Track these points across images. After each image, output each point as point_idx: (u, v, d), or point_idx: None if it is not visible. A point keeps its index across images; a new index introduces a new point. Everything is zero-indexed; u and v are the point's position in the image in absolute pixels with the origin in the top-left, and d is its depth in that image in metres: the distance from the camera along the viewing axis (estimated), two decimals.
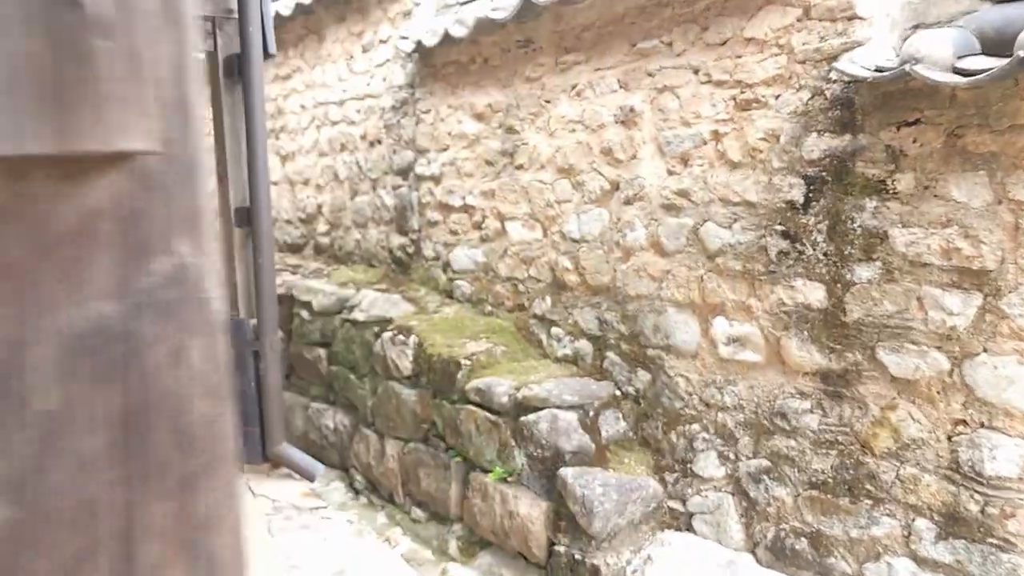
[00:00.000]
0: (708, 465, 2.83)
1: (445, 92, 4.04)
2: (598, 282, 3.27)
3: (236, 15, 3.57)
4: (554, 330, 3.52)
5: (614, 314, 3.21)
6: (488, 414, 3.19)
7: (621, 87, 3.12)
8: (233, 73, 3.61)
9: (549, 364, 3.49)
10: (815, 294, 2.49)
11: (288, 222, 5.69)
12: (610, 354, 3.22)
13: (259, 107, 3.61)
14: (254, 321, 3.82)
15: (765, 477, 2.66)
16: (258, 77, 3.58)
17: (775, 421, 2.63)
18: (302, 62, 5.33)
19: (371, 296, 4.05)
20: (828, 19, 2.43)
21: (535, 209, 3.57)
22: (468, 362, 3.43)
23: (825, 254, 2.46)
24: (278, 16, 5.13)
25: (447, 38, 3.77)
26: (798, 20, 2.51)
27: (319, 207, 5.30)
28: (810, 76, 2.48)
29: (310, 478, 3.80)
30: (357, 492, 4.01)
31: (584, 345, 3.36)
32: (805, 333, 2.53)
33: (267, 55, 3.69)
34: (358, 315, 3.96)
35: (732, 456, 2.77)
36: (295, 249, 5.62)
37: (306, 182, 5.43)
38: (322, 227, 5.30)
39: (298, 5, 4.94)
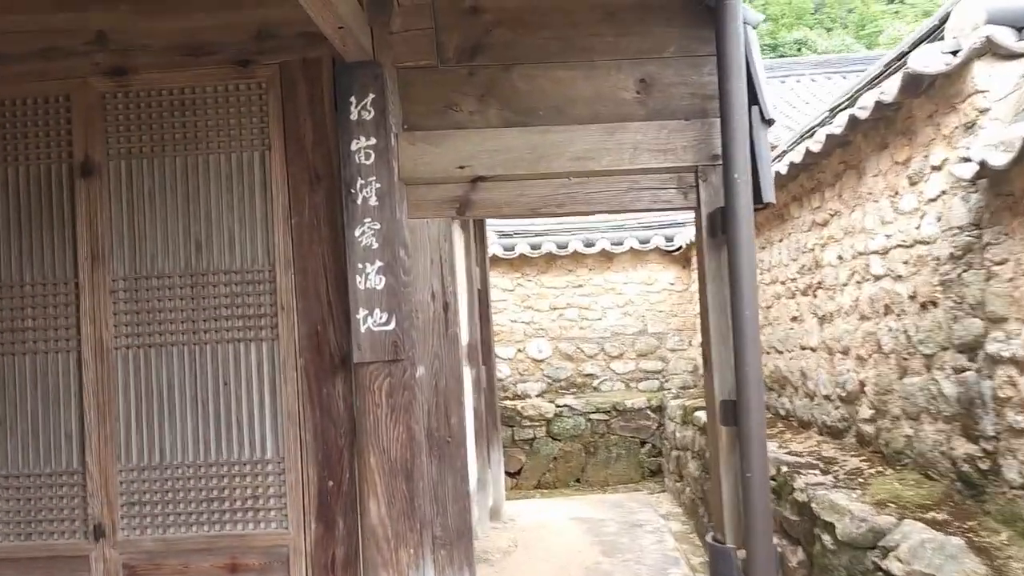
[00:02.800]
0: None
1: None
2: None
3: (721, 162, 2.98)
4: None
5: None
6: None
7: None
8: (716, 232, 2.98)
9: None
10: None
11: (827, 398, 4.68)
12: None
13: (747, 272, 2.87)
14: (742, 553, 2.95)
15: None
16: (746, 235, 2.87)
17: None
18: (840, 204, 4.44)
19: (916, 536, 2.79)
20: None
21: None
22: None
23: None
24: (808, 153, 4.39)
25: None
26: None
27: (861, 384, 4.20)
28: None
29: None
30: None
31: None
32: None
33: (762, 204, 2.97)
34: (894, 568, 2.74)
35: None
36: (834, 434, 4.56)
37: (845, 351, 4.40)
38: (865, 411, 4.16)
39: (830, 137, 4.14)
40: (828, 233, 4.61)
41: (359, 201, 2.97)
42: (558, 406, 9.13)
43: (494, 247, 9.40)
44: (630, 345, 9.52)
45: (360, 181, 2.97)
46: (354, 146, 2.97)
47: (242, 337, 3.05)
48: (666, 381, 9.48)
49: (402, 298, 2.97)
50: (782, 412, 5.60)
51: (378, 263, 2.97)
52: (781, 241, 5.59)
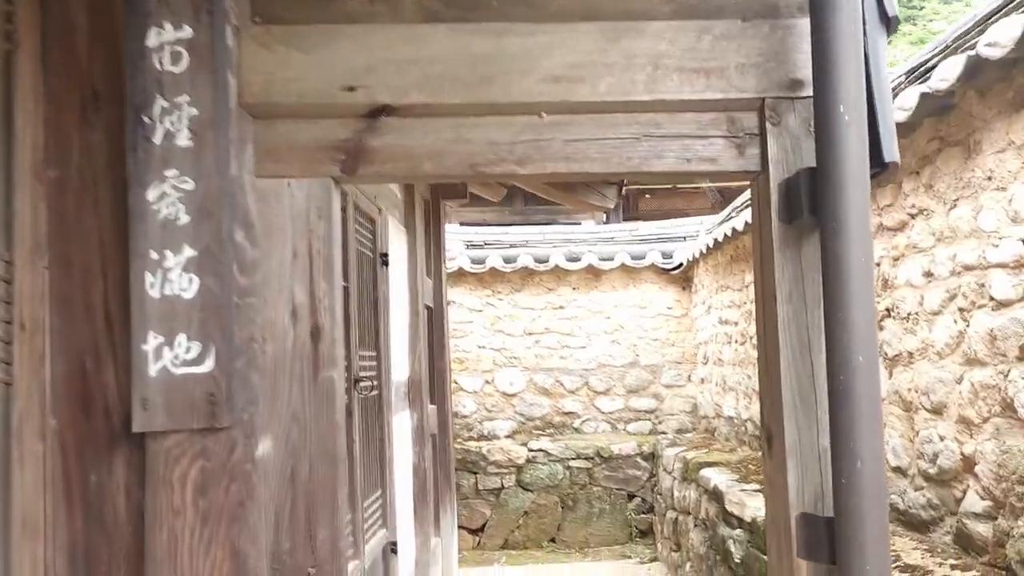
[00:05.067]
0: None
1: None
2: None
3: (810, 92, 1.73)
4: None
5: None
6: None
7: None
8: (798, 213, 1.72)
9: None
10: None
11: (901, 472, 3.42)
12: None
13: (858, 283, 1.60)
14: None
15: None
16: (857, 216, 1.61)
17: None
18: (930, 198, 3.20)
19: None
20: None
21: None
22: None
23: None
24: None
25: None
26: None
27: (967, 460, 2.94)
28: None
29: None
30: None
31: None
32: None
33: (881, 167, 1.71)
34: None
35: None
36: (915, 526, 3.29)
37: (937, 410, 3.14)
38: (973, 501, 2.90)
39: (924, 99, 2.90)
40: (906, 240, 3.37)
41: (157, 138, 1.69)
42: (531, 450, 7.81)
43: (460, 259, 8.12)
44: (619, 379, 8.24)
45: (161, 103, 1.69)
46: (152, 39, 1.70)
47: None
48: (660, 423, 8.20)
49: (232, 317, 1.69)
50: None
51: (187, 251, 1.69)
52: None
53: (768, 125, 1.81)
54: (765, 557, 3.84)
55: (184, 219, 1.69)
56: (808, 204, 1.70)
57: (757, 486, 4.62)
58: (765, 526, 1.87)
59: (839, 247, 1.60)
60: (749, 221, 5.25)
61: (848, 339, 1.58)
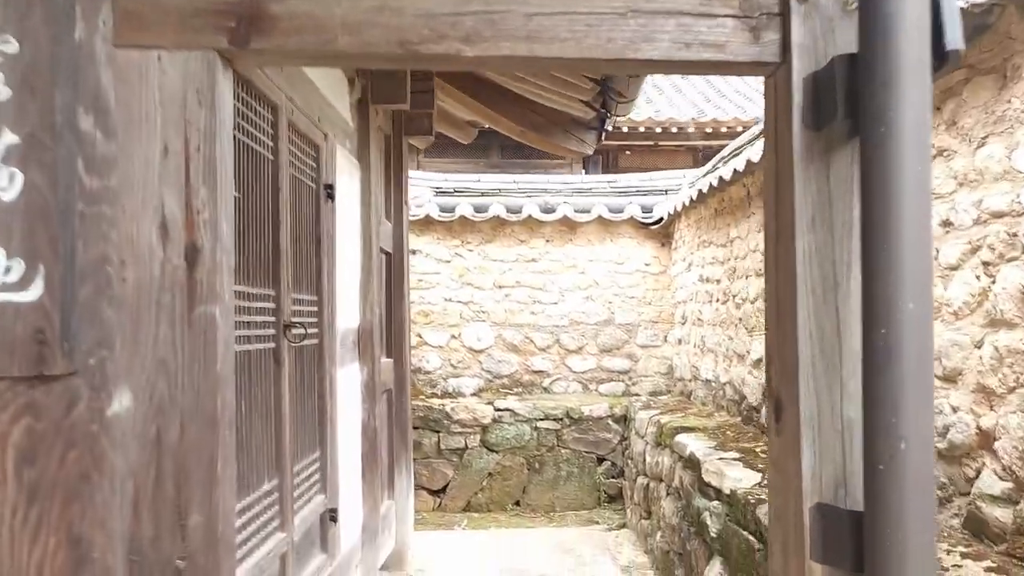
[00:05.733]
0: None
1: None
2: None
3: None
4: None
5: None
6: None
7: None
8: (830, 115, 1.31)
9: None
10: None
11: None
12: None
13: (912, 185, 1.21)
14: None
15: None
16: (913, 111, 1.21)
17: None
18: (948, 137, 2.82)
19: None
20: None
21: None
22: None
23: None
24: None
25: None
26: None
27: (983, 435, 2.60)
28: None
29: None
30: None
31: None
32: None
33: (940, 59, 1.31)
34: None
35: None
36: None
37: (951, 378, 2.79)
38: (990, 480, 2.57)
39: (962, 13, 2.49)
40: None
41: None
42: (498, 409, 7.46)
43: (428, 207, 7.66)
44: (592, 337, 7.88)
45: None
46: None
47: None
48: (633, 384, 7.88)
49: (72, 229, 1.27)
50: None
51: (7, 137, 1.26)
52: None
53: (792, 2, 1.40)
54: (744, 533, 3.52)
55: (3, 93, 1.25)
56: (844, 103, 1.30)
57: (736, 455, 4.29)
58: (769, 518, 1.49)
59: (888, 157, 1.20)
60: (739, 169, 4.85)
61: (895, 280, 1.18)
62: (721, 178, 5.29)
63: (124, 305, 1.34)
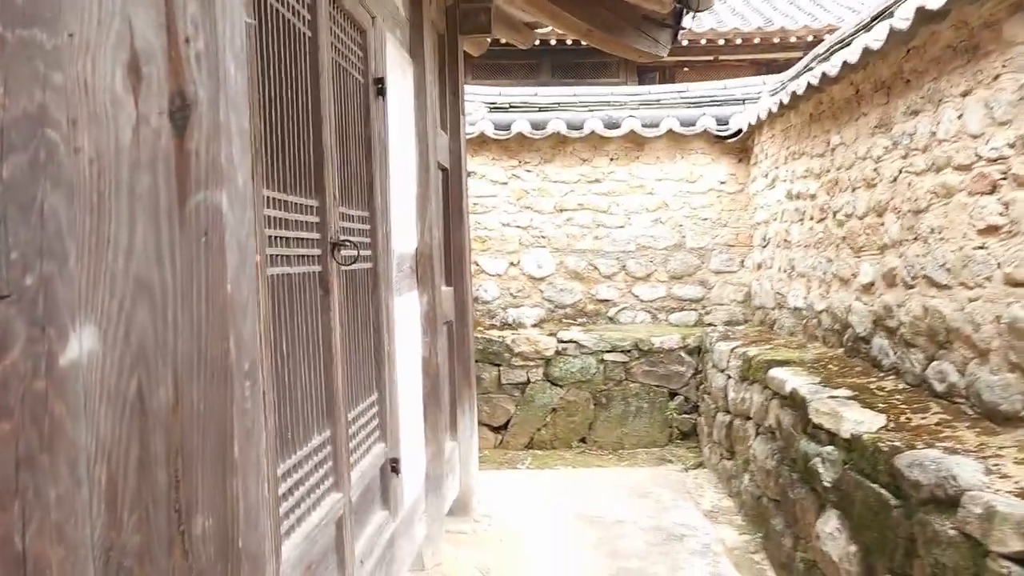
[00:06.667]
0: None
1: None
2: None
3: None
4: None
5: None
6: None
7: None
8: None
9: None
10: None
11: (972, 347, 2.49)
12: None
13: None
14: None
15: None
16: None
17: None
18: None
19: None
20: None
21: None
22: None
23: None
24: None
25: None
26: None
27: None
28: None
29: None
30: None
31: None
32: None
33: None
34: None
35: None
36: (995, 418, 2.38)
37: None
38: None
39: None
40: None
41: None
42: (561, 341, 6.99)
43: (482, 123, 7.08)
44: (661, 263, 7.31)
45: None
46: None
47: None
48: (707, 314, 7.32)
49: None
50: (940, 388, 3.45)
51: None
52: (965, 95, 3.32)
53: None
54: (874, 486, 3.00)
55: None
56: None
57: (848, 392, 3.75)
58: None
59: None
60: (851, 61, 4.17)
61: None
62: (824, 74, 4.60)
63: (79, 191, 0.85)
